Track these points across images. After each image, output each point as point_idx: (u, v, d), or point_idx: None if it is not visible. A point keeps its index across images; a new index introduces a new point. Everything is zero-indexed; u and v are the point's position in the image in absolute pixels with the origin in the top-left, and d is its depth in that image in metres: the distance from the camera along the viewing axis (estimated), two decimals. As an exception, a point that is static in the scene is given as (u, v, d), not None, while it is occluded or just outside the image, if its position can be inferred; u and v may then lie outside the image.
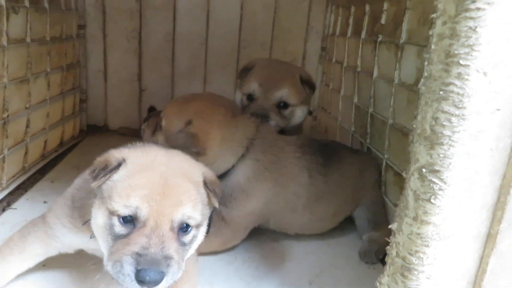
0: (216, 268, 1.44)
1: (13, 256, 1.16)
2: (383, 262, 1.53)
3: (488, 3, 0.65)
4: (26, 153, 1.95)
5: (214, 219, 1.39)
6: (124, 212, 0.92)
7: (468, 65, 0.68)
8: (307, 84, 1.81)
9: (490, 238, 0.80)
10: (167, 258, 0.89)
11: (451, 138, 0.72)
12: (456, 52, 0.69)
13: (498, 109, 0.70)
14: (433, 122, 0.73)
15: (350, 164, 1.63)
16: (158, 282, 0.88)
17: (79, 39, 2.50)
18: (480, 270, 0.82)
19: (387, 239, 0.86)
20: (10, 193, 1.80)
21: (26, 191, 1.87)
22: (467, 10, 0.66)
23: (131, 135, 2.40)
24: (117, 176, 0.97)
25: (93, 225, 1.00)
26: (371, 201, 1.67)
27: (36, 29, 1.93)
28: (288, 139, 1.57)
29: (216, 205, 1.05)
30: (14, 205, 1.73)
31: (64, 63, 2.29)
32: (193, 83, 2.67)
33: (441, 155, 0.73)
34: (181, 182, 0.96)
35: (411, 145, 0.81)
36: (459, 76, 0.69)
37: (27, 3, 1.83)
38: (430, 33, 0.75)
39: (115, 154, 1.00)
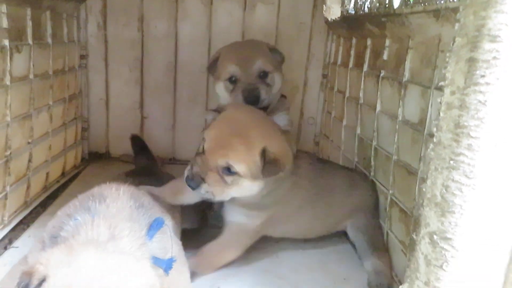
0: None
1: None
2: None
3: (498, 78, 0.65)
4: (28, 187, 1.94)
5: (236, 233, 1.59)
6: None
7: (478, 137, 0.68)
8: (275, 51, 1.97)
9: (502, 301, 0.79)
10: None
11: (463, 207, 0.71)
12: (465, 123, 0.69)
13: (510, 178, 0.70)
14: (444, 190, 0.73)
15: (340, 178, 1.78)
16: None
17: (81, 69, 2.51)
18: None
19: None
20: (12, 230, 1.78)
21: (28, 226, 1.85)
22: (476, 84, 0.67)
23: (132, 162, 2.41)
24: None
25: None
26: (363, 224, 1.75)
27: (39, 65, 1.94)
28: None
29: None
30: (16, 243, 1.71)
31: (67, 94, 2.30)
32: (194, 111, 2.67)
33: (453, 223, 0.73)
34: None
35: (421, 208, 0.81)
36: (469, 147, 0.69)
37: (30, 41, 1.84)
38: (439, 100, 0.75)
39: (39, 269, 0.94)
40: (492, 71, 0.65)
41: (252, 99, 1.77)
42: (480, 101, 0.67)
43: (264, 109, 1.89)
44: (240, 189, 1.43)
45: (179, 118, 2.69)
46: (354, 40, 2.10)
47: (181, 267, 1.36)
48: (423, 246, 0.79)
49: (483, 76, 0.66)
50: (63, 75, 2.23)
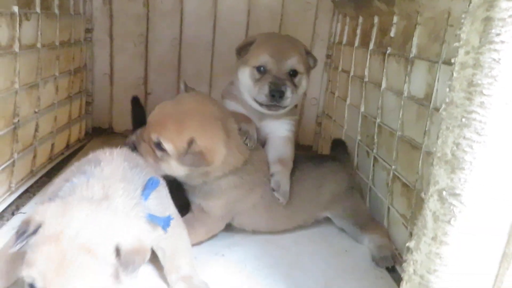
0: (226, 275, 1.47)
1: None
2: (389, 271, 1.57)
3: (513, 37, 0.67)
4: (34, 156, 1.96)
5: (195, 212, 1.62)
6: (27, 280, 0.96)
7: (491, 95, 0.71)
8: (310, 56, 1.89)
9: (505, 258, 0.83)
10: None
11: (472, 164, 0.74)
12: (479, 82, 0.71)
13: (518, 137, 0.73)
14: (455, 147, 0.76)
15: (308, 178, 1.78)
16: None
17: (86, 43, 2.51)
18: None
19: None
20: (19, 197, 1.81)
21: (34, 194, 1.88)
22: (491, 42, 0.69)
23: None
24: (31, 241, 0.99)
25: None
26: (343, 210, 1.79)
27: (46, 35, 1.94)
28: (262, 156, 1.74)
29: (123, 279, 1.02)
30: (23, 209, 1.74)
31: (72, 67, 2.30)
32: (198, 88, 2.64)
33: (462, 179, 0.76)
34: (80, 259, 0.96)
35: (430, 167, 0.83)
36: (481, 104, 0.72)
37: (38, 9, 1.84)
38: (452, 61, 0.77)
39: (36, 217, 1.02)
40: (508, 29, 0.67)
41: (278, 94, 1.71)
42: (494, 59, 0.69)
43: (281, 108, 1.79)
44: (168, 166, 1.48)
45: (183, 95, 2.70)
46: (360, 19, 2.11)
47: (180, 231, 1.39)
48: (432, 204, 0.82)
49: (498, 34, 0.68)
50: (69, 47, 2.23)
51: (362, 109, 2.03)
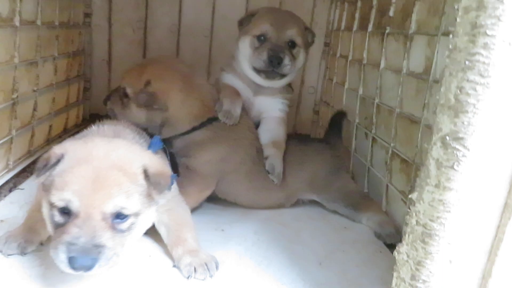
0: (225, 249, 1.46)
1: None
2: (388, 246, 1.58)
3: (516, -24, 0.68)
4: (32, 136, 1.95)
5: (183, 172, 1.63)
6: (60, 204, 1.01)
7: (494, 35, 0.72)
8: (309, 31, 1.95)
9: (506, 208, 0.84)
10: (98, 246, 0.98)
11: (476, 106, 0.75)
12: (482, 23, 0.72)
13: (521, 78, 0.74)
14: (458, 91, 0.77)
15: (290, 153, 1.81)
16: (89, 268, 0.97)
17: (85, 27, 2.51)
18: (496, 239, 0.85)
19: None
20: (16, 175, 1.80)
21: (31, 174, 1.86)
22: (495, -18, 0.70)
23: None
24: (55, 171, 1.03)
25: (43, 214, 1.08)
26: (331, 192, 1.79)
27: (46, 13, 1.94)
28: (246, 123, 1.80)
29: (156, 197, 1.09)
30: (21, 186, 1.73)
31: (71, 49, 2.30)
32: (197, 75, 2.68)
33: (465, 123, 0.77)
34: (113, 176, 1.01)
35: (433, 116, 0.84)
36: (485, 46, 0.73)
37: (38, -14, 1.84)
38: (456, 7, 0.78)
39: (55, 150, 1.06)
40: (511, -32, 0.69)
41: (276, 60, 1.76)
42: (498, -1, 0.70)
43: (278, 76, 1.82)
44: (130, 112, 1.64)
45: (181, 81, 2.69)
46: (359, 3, 2.13)
47: (181, 203, 1.40)
48: (435, 152, 0.83)
49: (502, -26, 0.69)
50: (68, 29, 2.23)
51: (361, 91, 2.04)
